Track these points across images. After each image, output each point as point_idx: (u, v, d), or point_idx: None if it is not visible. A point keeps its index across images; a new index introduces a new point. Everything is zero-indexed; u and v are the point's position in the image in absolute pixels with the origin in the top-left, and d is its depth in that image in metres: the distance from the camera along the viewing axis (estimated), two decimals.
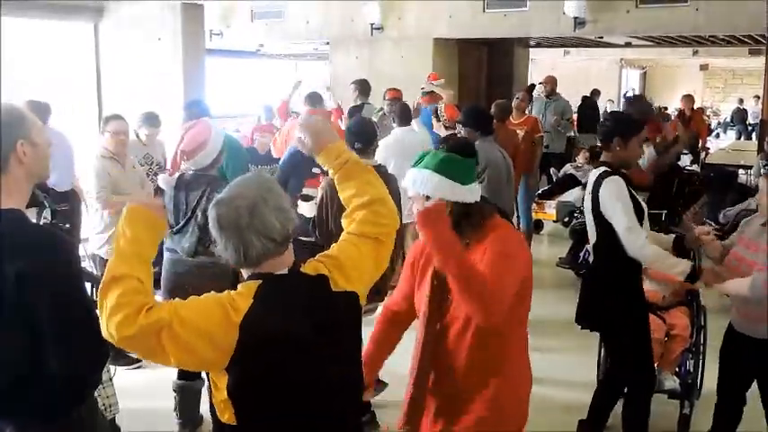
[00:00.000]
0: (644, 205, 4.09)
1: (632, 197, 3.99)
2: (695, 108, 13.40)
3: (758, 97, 21.69)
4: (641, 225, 3.99)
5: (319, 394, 2.20)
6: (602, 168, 4.11)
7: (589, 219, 4.21)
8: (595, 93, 16.22)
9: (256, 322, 2.07)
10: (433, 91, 8.87)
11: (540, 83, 10.98)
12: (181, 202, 4.36)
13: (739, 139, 22.30)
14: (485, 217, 2.82)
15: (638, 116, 6.60)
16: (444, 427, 2.88)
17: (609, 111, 15.40)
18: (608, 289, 4.18)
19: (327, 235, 4.59)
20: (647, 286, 4.59)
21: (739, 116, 24.44)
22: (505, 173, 5.99)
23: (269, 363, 2.11)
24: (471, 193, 2.75)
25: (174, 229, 4.37)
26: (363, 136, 4.87)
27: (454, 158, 2.79)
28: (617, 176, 4.01)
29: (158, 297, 5.40)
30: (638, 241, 3.87)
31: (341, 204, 2.55)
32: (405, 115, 7.20)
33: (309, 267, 2.27)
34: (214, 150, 4.38)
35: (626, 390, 4.43)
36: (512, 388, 2.87)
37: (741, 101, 25.53)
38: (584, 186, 8.70)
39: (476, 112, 6.19)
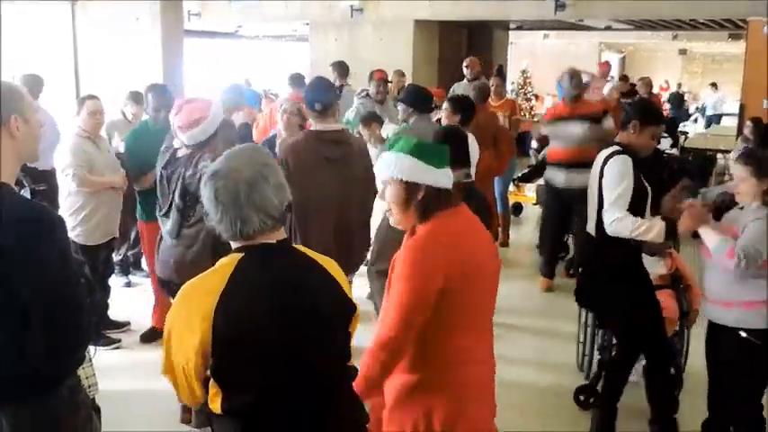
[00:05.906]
0: (648, 189, 4.04)
1: (641, 180, 3.98)
2: (652, 92, 13.03)
3: (714, 85, 21.64)
4: (645, 208, 4.00)
5: (304, 381, 2.15)
6: (613, 148, 4.08)
7: (593, 197, 4.16)
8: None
9: (229, 313, 2.04)
10: None
11: (465, 66, 10.29)
12: (165, 184, 4.34)
13: (676, 126, 21.50)
14: (446, 205, 2.68)
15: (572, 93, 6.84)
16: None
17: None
18: (611, 268, 4.14)
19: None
20: None
21: (677, 101, 22.73)
22: None
23: (248, 348, 2.08)
24: (444, 176, 2.68)
25: (161, 213, 4.36)
26: (324, 97, 4.71)
27: (428, 143, 2.79)
28: (625, 155, 3.99)
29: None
30: (611, 217, 3.88)
31: None
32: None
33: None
34: (211, 126, 4.25)
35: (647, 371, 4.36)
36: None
37: (680, 85, 24.82)
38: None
39: (414, 91, 6.49)
